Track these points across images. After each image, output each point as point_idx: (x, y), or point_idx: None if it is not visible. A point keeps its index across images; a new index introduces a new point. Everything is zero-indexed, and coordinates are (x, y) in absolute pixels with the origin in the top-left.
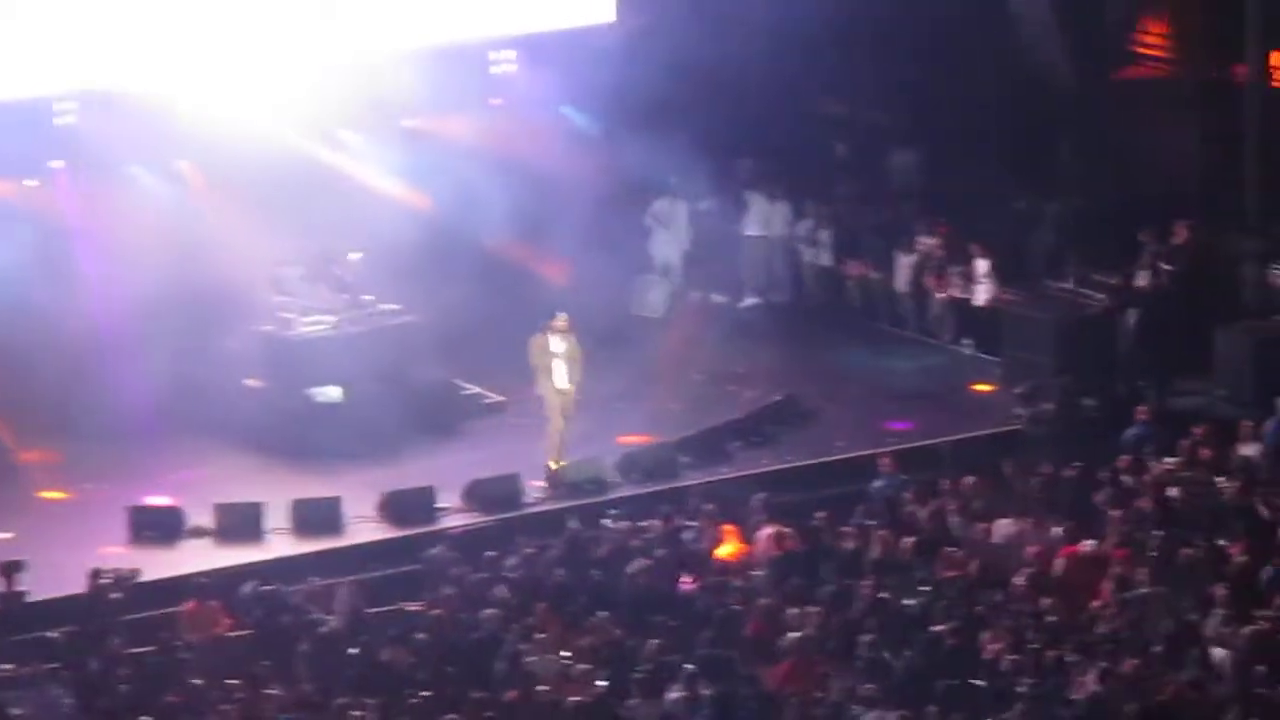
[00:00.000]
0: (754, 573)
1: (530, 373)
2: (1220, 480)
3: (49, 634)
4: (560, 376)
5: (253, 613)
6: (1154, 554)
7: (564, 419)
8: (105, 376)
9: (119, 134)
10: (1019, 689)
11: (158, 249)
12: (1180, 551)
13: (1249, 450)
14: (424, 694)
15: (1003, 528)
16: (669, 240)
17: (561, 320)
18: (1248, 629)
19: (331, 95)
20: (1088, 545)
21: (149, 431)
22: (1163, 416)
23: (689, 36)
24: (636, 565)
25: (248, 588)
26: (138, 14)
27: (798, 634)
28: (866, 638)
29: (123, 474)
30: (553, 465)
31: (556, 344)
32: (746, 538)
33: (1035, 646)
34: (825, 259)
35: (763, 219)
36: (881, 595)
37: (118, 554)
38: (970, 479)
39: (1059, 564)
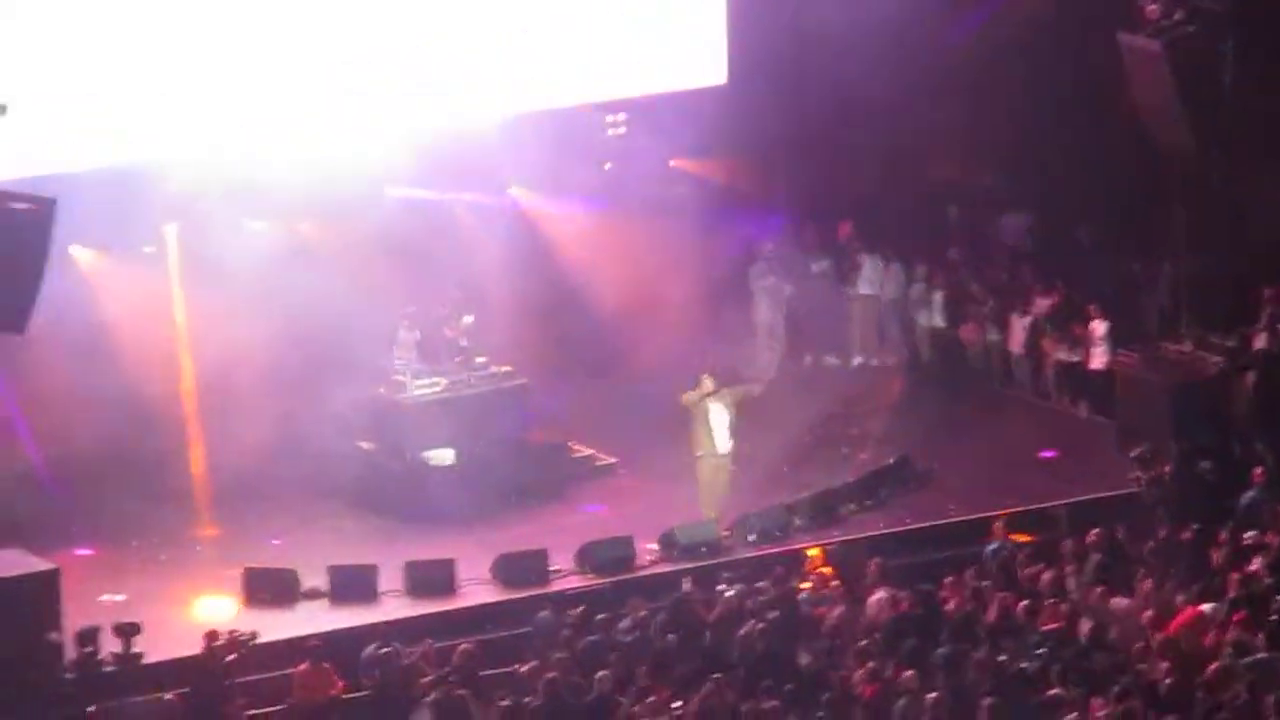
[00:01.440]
0: (873, 635)
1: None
2: None
3: (165, 696)
4: (711, 439)
5: (371, 674)
6: (1273, 618)
7: (716, 481)
8: (217, 437)
9: (231, 198)
10: None
11: (270, 310)
12: None
13: None
14: None
15: (1119, 595)
16: (774, 303)
17: (707, 382)
18: None
19: (447, 158)
20: (1204, 609)
21: (263, 493)
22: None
23: (800, 98)
24: (748, 628)
25: (370, 649)
26: (245, 76)
27: (910, 698)
28: (984, 701)
29: (236, 535)
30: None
31: (706, 406)
32: (859, 599)
33: (1149, 711)
34: (938, 321)
35: (875, 280)
36: (997, 659)
37: (232, 616)
38: (1086, 542)
39: (1175, 628)
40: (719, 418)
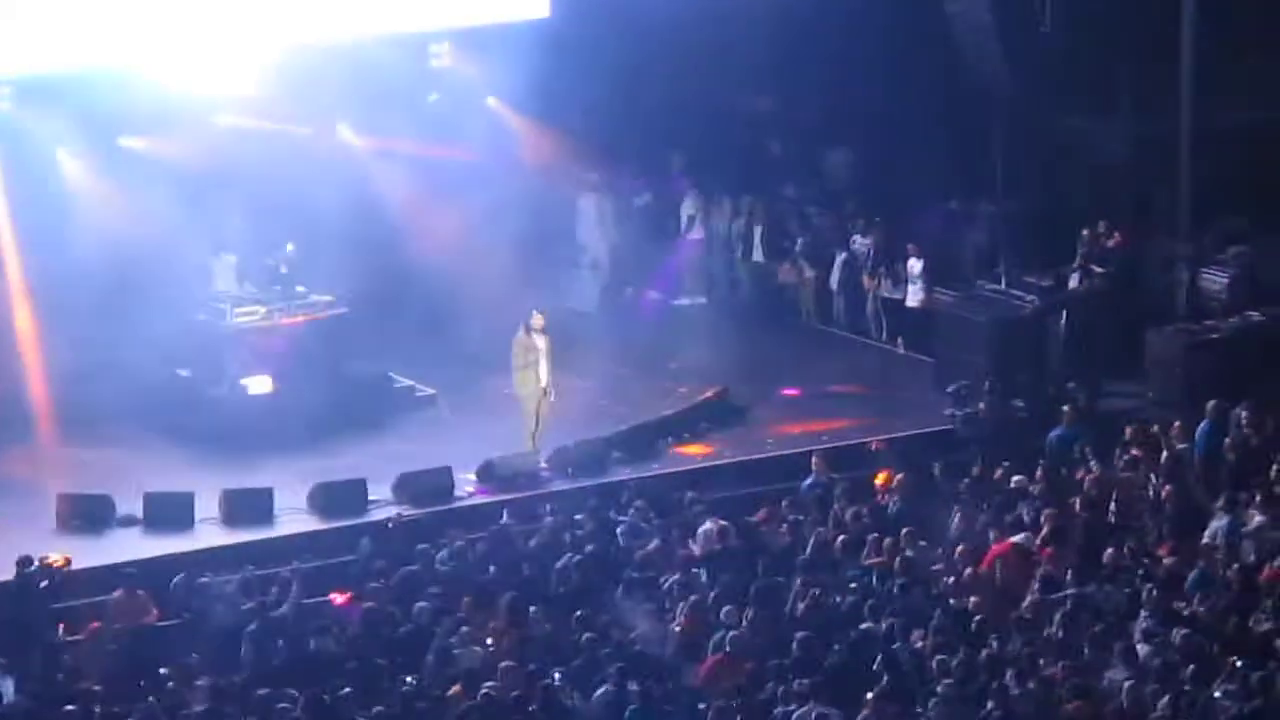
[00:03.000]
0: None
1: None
2: (1149, 481)
3: None
4: (542, 374)
5: (184, 603)
6: (1081, 554)
7: (539, 416)
8: (34, 362)
9: (56, 118)
10: (944, 688)
11: (91, 230)
12: (1108, 552)
13: (1178, 451)
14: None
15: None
16: (598, 235)
17: (539, 318)
18: (1177, 631)
19: (273, 84)
20: (1015, 543)
21: (78, 418)
22: (1092, 418)
23: (623, 31)
24: (565, 560)
25: (179, 578)
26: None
27: (725, 631)
28: (798, 634)
29: (52, 460)
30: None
31: (538, 342)
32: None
33: (961, 645)
34: (758, 256)
35: (703, 220)
36: (813, 592)
37: (46, 542)
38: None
39: (986, 563)
40: (544, 354)
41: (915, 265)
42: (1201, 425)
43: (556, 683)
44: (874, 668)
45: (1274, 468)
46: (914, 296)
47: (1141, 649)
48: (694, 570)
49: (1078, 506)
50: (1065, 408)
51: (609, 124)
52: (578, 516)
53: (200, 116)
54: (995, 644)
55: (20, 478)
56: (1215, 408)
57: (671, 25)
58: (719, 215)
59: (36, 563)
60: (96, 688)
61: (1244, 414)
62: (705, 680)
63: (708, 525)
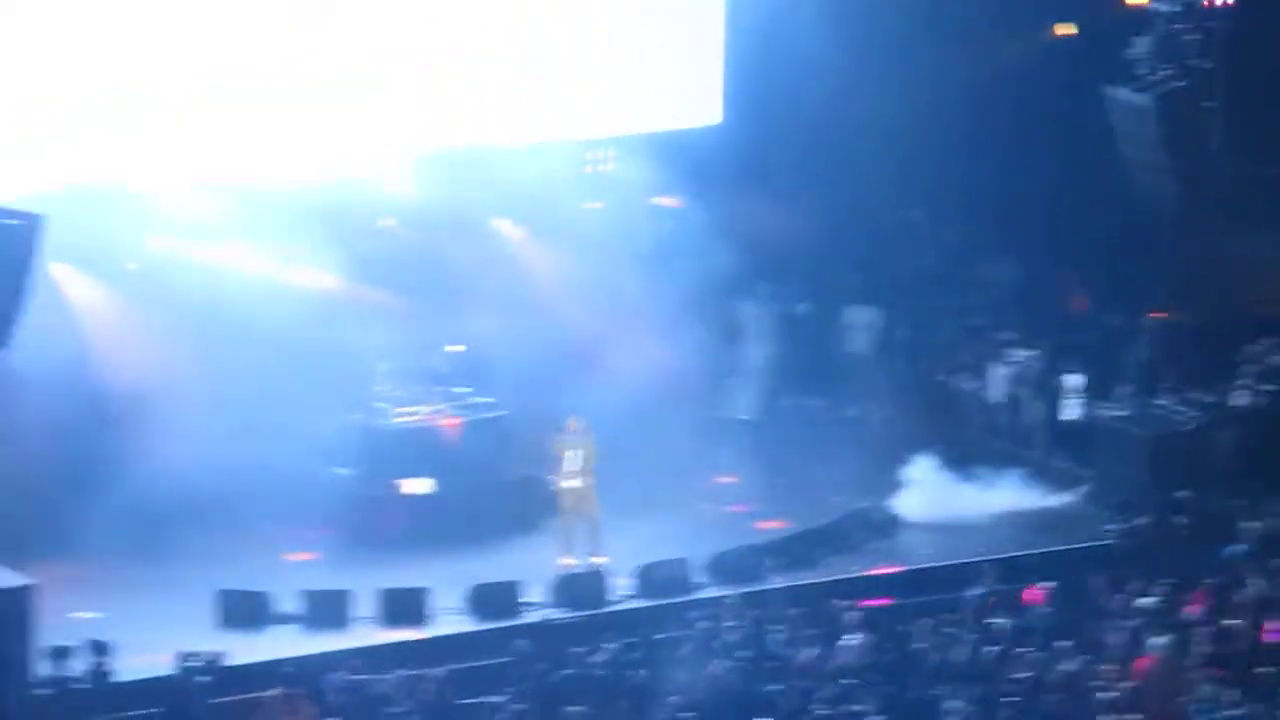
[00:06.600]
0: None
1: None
2: None
3: (135, 714)
4: (572, 477)
5: (340, 702)
6: (1244, 674)
7: (576, 516)
8: (193, 459)
9: (222, 215)
10: None
11: (252, 333)
12: (1266, 671)
13: None
14: None
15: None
16: (758, 343)
17: (574, 422)
18: None
19: (433, 186)
20: (1164, 657)
21: (237, 515)
22: (1256, 536)
23: (783, 140)
24: (718, 665)
25: (336, 676)
26: (239, 95)
27: None
28: None
29: (210, 556)
30: (565, 561)
31: (570, 445)
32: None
33: None
34: (922, 368)
35: (865, 332)
36: (968, 705)
37: (206, 637)
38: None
39: (1147, 679)
40: (574, 459)
41: (1074, 379)
42: None
43: None
44: None
45: None
46: (1073, 410)
47: None
48: (845, 681)
49: (1242, 625)
50: (1240, 524)
51: (775, 230)
52: (729, 624)
53: (364, 218)
54: None
55: (181, 573)
56: None
57: (841, 134)
58: (883, 325)
59: (196, 658)
60: None
61: None
62: None
63: (858, 636)
